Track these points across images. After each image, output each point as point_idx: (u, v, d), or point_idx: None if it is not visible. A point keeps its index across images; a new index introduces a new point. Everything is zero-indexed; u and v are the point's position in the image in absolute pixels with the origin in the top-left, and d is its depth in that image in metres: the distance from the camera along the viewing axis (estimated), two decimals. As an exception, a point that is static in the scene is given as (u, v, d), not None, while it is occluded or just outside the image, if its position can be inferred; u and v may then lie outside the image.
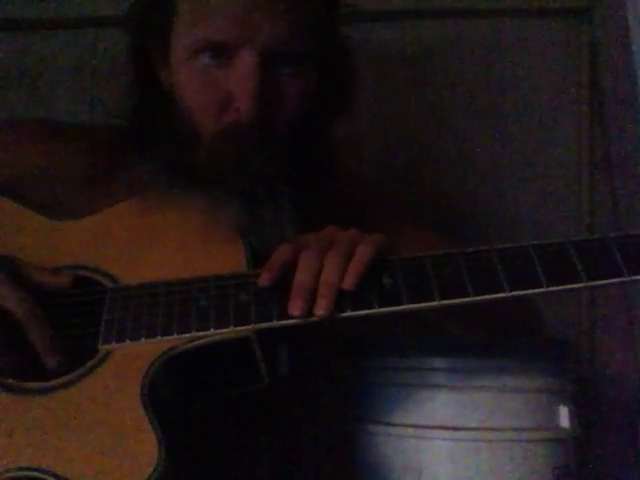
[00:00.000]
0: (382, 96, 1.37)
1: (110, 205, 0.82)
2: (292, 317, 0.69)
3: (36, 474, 0.64)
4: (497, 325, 0.90)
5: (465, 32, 1.38)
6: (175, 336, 0.69)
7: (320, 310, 0.68)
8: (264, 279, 0.71)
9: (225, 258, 0.75)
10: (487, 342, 0.81)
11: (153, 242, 0.78)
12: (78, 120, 1.32)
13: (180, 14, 0.82)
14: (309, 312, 0.68)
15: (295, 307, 0.68)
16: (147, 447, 0.63)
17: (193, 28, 0.80)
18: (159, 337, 0.69)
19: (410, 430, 0.79)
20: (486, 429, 0.77)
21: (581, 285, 0.67)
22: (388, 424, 0.80)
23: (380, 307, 0.68)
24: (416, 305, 0.68)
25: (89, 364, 0.70)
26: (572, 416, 0.81)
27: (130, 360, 0.69)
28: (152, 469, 0.62)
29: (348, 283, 0.69)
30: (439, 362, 0.80)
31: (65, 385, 0.70)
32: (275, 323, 0.69)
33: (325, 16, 0.85)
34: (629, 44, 1.29)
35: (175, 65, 0.84)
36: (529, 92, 1.36)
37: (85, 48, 1.37)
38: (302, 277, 0.70)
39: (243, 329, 0.69)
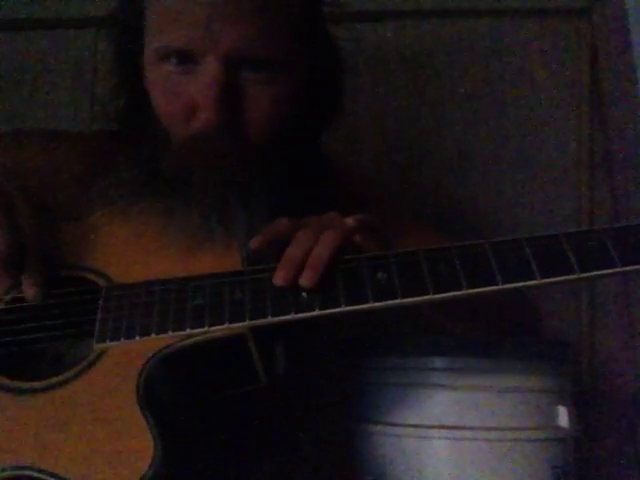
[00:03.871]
0: (382, 96, 1.37)
1: (105, 207, 0.82)
2: (276, 285, 0.69)
3: (32, 473, 0.64)
4: (495, 323, 0.90)
5: (465, 32, 1.38)
6: (170, 334, 0.69)
7: (304, 280, 0.68)
8: (254, 242, 0.72)
9: (221, 257, 0.75)
10: (487, 342, 0.81)
11: (147, 242, 0.78)
12: (78, 120, 1.33)
13: (148, 20, 0.82)
14: (298, 300, 0.69)
15: (279, 277, 0.69)
16: (143, 445, 0.63)
17: (158, 34, 0.80)
18: (153, 335, 0.69)
19: (410, 430, 0.78)
20: (485, 429, 0.77)
21: (574, 277, 0.67)
22: (388, 424, 0.80)
23: (375, 302, 0.68)
24: (410, 299, 0.68)
25: (84, 363, 0.70)
26: (571, 416, 0.81)
27: (125, 358, 0.69)
28: (147, 467, 0.62)
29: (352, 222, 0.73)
30: (439, 362, 0.80)
31: (60, 384, 0.69)
32: (270, 320, 0.68)
33: (303, 19, 0.84)
34: (629, 44, 1.29)
35: (146, 70, 0.84)
36: (529, 92, 1.36)
37: (85, 48, 1.37)
38: (292, 250, 0.71)
39: (238, 326, 0.69)
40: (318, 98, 0.89)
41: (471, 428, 0.77)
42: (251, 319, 0.69)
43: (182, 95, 0.80)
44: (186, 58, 0.79)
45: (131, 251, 0.78)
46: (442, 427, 0.77)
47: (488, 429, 0.77)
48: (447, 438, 0.77)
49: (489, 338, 0.84)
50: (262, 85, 0.80)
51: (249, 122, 0.80)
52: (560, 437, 0.80)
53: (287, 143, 0.84)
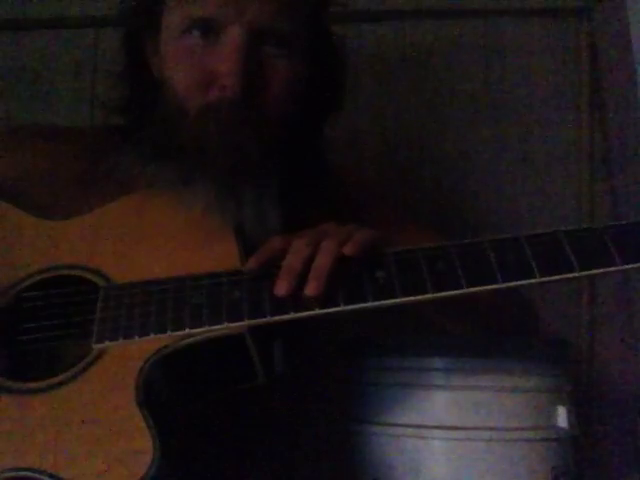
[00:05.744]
0: (382, 96, 1.37)
1: (103, 204, 0.82)
2: (277, 296, 0.69)
3: (33, 474, 0.63)
4: (494, 323, 0.89)
5: (465, 32, 1.38)
6: (169, 334, 0.69)
7: (310, 291, 0.68)
8: (250, 264, 0.72)
9: (219, 255, 0.75)
10: (485, 342, 0.81)
11: (146, 240, 0.78)
12: (78, 120, 1.32)
13: None
14: (296, 299, 0.69)
15: (280, 287, 0.69)
16: (142, 445, 0.63)
17: (182, 6, 0.81)
18: (152, 335, 0.69)
19: (409, 430, 0.78)
20: (484, 429, 0.76)
21: (574, 275, 0.67)
22: (387, 424, 0.80)
23: (374, 300, 0.68)
24: (410, 298, 0.68)
25: (83, 363, 0.70)
26: (570, 416, 0.80)
27: (124, 358, 0.69)
28: (147, 468, 0.62)
29: (348, 251, 0.70)
30: (438, 362, 0.79)
31: (59, 384, 0.69)
32: (268, 319, 0.68)
33: (314, 3, 0.87)
34: (629, 44, 1.29)
35: (164, 45, 0.84)
36: (529, 92, 1.36)
37: (85, 48, 1.37)
38: (290, 260, 0.71)
39: (236, 325, 0.69)
40: (320, 88, 0.90)
41: (470, 428, 0.77)
42: (250, 318, 0.69)
43: (204, 65, 0.80)
44: (209, 29, 0.80)
45: (129, 249, 0.78)
46: (441, 427, 0.77)
47: (487, 429, 0.76)
48: (446, 438, 0.77)
49: (488, 338, 0.84)
50: (281, 60, 0.82)
51: (267, 95, 0.81)
52: (559, 437, 0.80)
53: (291, 131, 0.85)
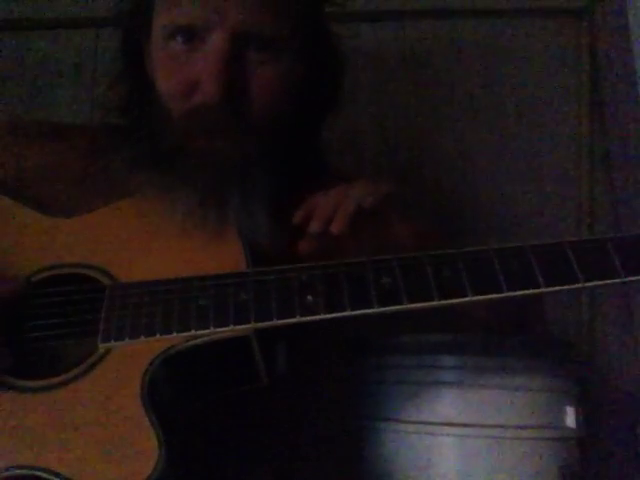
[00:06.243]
0: (382, 96, 1.37)
1: (108, 203, 0.82)
2: (310, 231, 0.76)
3: (36, 472, 0.63)
4: (495, 316, 0.89)
5: (465, 32, 1.38)
6: (174, 335, 0.69)
7: (333, 228, 0.75)
8: (297, 216, 0.78)
9: (224, 257, 0.75)
10: (496, 340, 0.81)
11: (152, 240, 0.78)
12: (78, 120, 1.32)
13: (157, 2, 0.83)
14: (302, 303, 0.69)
15: (314, 226, 0.76)
16: (147, 445, 0.63)
17: (166, 12, 0.82)
18: (158, 335, 0.69)
19: (418, 427, 0.78)
20: (494, 426, 0.77)
21: (578, 286, 0.68)
22: (396, 421, 0.80)
23: (379, 306, 0.68)
24: (415, 305, 0.68)
25: (88, 362, 0.70)
26: (578, 416, 0.81)
27: (129, 358, 0.69)
28: (152, 468, 0.62)
29: (368, 202, 0.76)
30: (447, 360, 0.80)
31: (64, 383, 0.69)
32: (275, 322, 0.69)
33: (305, 3, 0.87)
34: (629, 44, 1.30)
35: (152, 52, 0.85)
36: (529, 92, 1.36)
37: (85, 48, 1.37)
38: (323, 204, 0.77)
39: (243, 328, 0.69)
40: (317, 88, 0.90)
41: (479, 426, 0.77)
42: (256, 321, 0.69)
43: (186, 71, 0.81)
44: (192, 36, 0.80)
45: (134, 249, 0.78)
46: (450, 424, 0.77)
47: (496, 427, 0.77)
48: (455, 435, 0.77)
49: (498, 337, 0.84)
50: (266, 64, 0.82)
51: (252, 100, 0.81)
52: (567, 437, 0.80)
53: (287, 132, 0.85)
